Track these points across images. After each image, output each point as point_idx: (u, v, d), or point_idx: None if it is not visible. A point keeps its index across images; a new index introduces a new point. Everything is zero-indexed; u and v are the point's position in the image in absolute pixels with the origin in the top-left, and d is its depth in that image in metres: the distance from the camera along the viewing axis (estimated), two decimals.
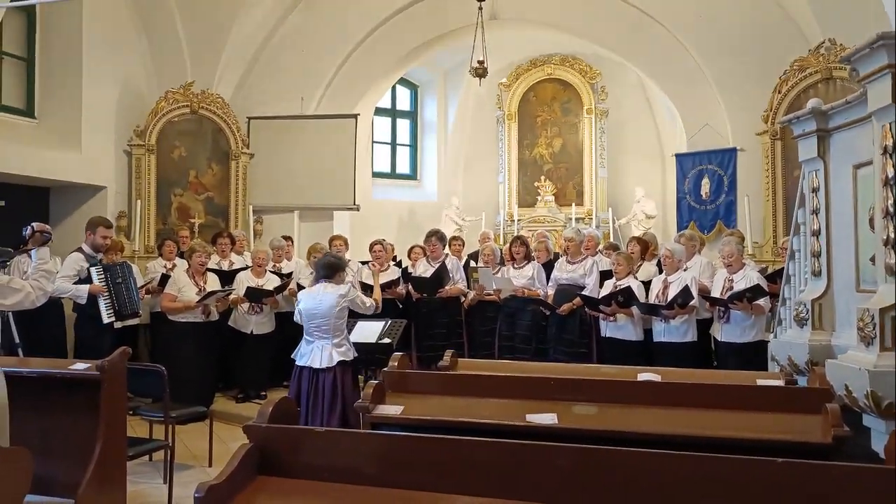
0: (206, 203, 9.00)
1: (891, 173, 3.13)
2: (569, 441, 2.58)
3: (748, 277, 5.49)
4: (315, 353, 4.80)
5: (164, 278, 6.65)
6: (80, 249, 5.96)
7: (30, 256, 4.04)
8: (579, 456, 2.31)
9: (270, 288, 6.76)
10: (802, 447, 2.85)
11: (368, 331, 5.42)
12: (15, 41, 7.69)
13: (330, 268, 4.91)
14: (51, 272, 4.00)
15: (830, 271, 3.97)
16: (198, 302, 6.22)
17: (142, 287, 6.56)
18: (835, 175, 3.95)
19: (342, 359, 4.80)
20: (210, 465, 5.10)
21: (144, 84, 8.89)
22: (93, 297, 5.82)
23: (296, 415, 2.95)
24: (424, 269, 7.01)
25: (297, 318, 4.96)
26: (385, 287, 6.34)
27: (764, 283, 5.41)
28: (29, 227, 4.02)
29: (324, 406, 4.70)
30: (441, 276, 6.78)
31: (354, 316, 5.27)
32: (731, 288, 5.51)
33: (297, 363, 4.90)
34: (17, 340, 5.34)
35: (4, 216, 5.11)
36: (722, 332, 5.59)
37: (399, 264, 7.58)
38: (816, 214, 4.06)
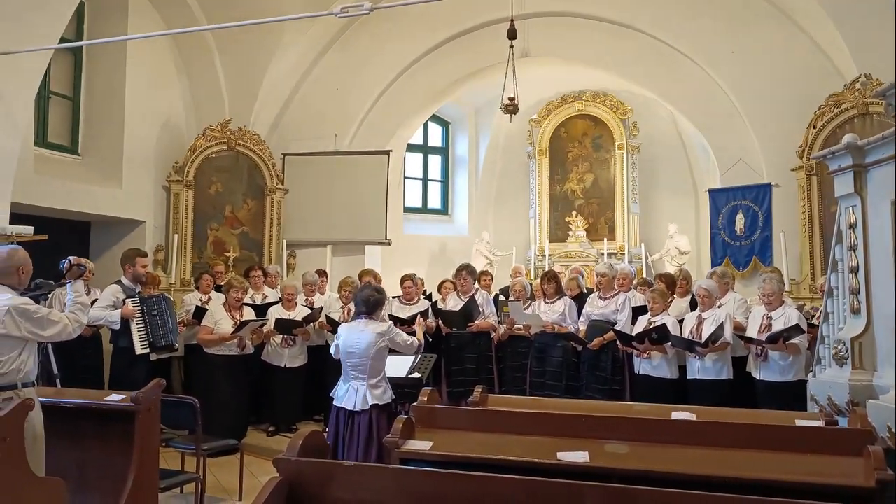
0: (241, 237, 9.17)
1: None
2: (600, 480, 2.54)
3: (787, 315, 5.37)
4: (350, 394, 4.53)
5: (199, 311, 6.75)
6: (119, 282, 6.08)
7: (66, 289, 4.18)
8: (611, 495, 2.27)
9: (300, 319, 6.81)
10: (844, 491, 2.76)
11: (398, 365, 5.36)
12: (62, 81, 8.01)
13: (370, 304, 4.61)
14: (86, 305, 4.13)
15: (870, 309, 3.90)
16: (233, 333, 6.29)
17: (179, 322, 6.62)
18: (873, 211, 3.89)
19: (376, 402, 4.50)
20: (240, 499, 5.10)
21: (184, 121, 9.19)
22: (126, 325, 5.86)
23: (325, 449, 2.95)
24: (454, 304, 7.00)
25: (333, 351, 4.78)
26: (414, 319, 6.25)
27: (803, 322, 5.30)
28: (66, 261, 4.17)
29: (358, 449, 4.44)
30: (470, 310, 6.76)
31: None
32: (770, 325, 5.39)
33: (333, 403, 4.65)
34: (56, 371, 5.44)
35: (46, 250, 5.29)
36: (760, 371, 5.46)
37: (429, 297, 7.58)
38: (854, 251, 3.99)
